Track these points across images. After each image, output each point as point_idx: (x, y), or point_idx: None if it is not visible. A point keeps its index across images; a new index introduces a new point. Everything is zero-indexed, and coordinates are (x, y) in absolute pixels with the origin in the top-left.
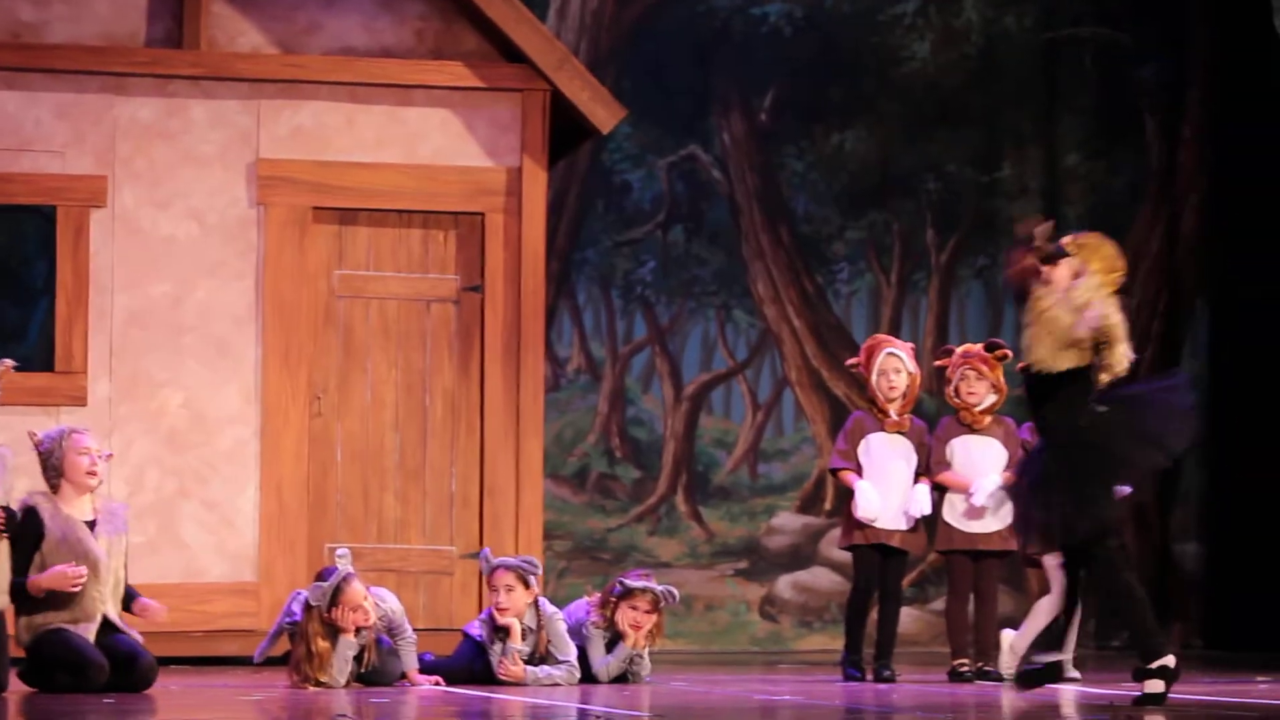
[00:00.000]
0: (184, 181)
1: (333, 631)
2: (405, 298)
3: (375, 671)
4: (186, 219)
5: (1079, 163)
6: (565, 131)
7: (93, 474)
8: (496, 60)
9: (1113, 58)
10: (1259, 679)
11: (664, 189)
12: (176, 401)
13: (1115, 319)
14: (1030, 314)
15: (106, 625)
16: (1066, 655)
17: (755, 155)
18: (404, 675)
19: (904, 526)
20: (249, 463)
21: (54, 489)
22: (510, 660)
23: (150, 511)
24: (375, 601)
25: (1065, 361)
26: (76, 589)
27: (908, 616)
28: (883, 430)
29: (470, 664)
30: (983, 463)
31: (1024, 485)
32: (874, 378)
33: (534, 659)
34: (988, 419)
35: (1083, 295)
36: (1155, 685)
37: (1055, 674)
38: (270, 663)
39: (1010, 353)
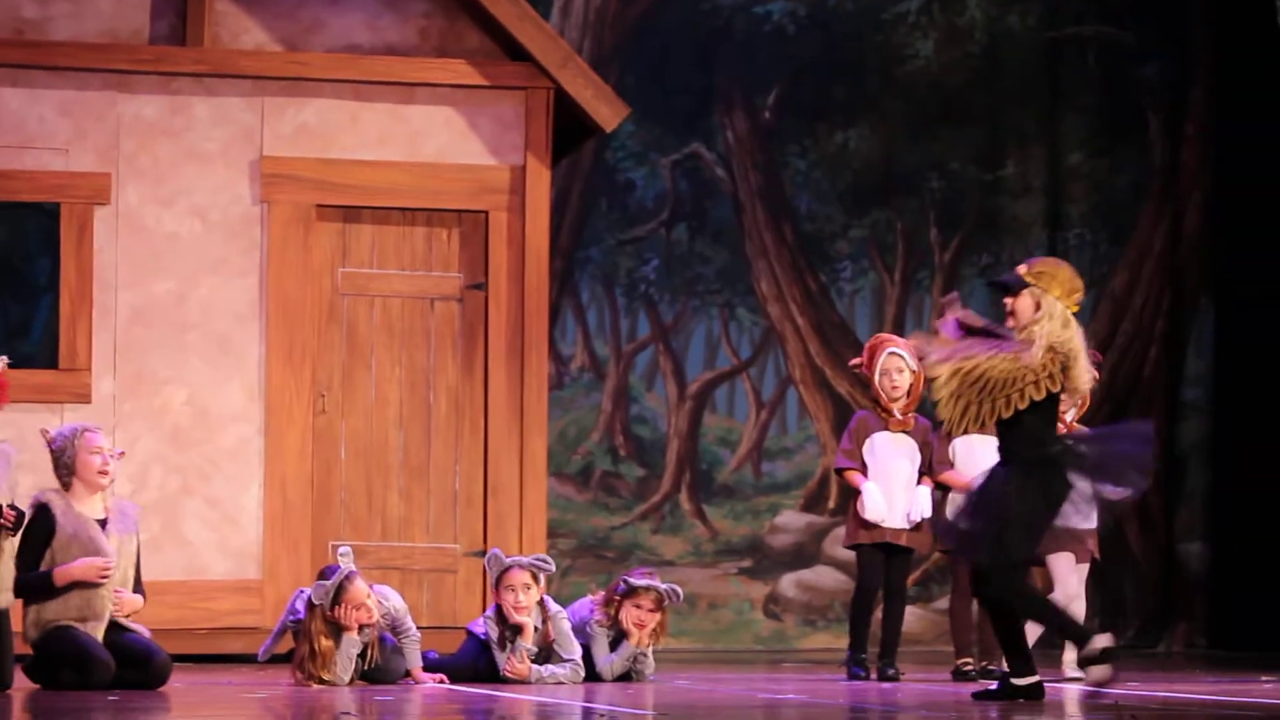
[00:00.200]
0: (187, 179)
1: (336, 630)
2: (409, 295)
3: (379, 669)
4: (190, 216)
5: (1082, 161)
6: (569, 129)
7: (105, 473)
8: (500, 58)
9: (1116, 56)
10: (1264, 678)
11: (667, 187)
12: (180, 399)
13: (1075, 343)
14: (972, 387)
15: (115, 624)
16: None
17: (758, 153)
18: (408, 673)
19: (906, 529)
20: (253, 460)
21: (65, 487)
22: (518, 658)
23: (154, 509)
24: (378, 599)
25: (1026, 399)
26: (104, 580)
27: (912, 615)
28: (887, 429)
29: (474, 662)
30: (986, 462)
31: (979, 491)
32: (877, 377)
33: (538, 657)
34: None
35: (1036, 331)
36: (1101, 671)
37: (1019, 693)
38: (274, 661)
39: None
